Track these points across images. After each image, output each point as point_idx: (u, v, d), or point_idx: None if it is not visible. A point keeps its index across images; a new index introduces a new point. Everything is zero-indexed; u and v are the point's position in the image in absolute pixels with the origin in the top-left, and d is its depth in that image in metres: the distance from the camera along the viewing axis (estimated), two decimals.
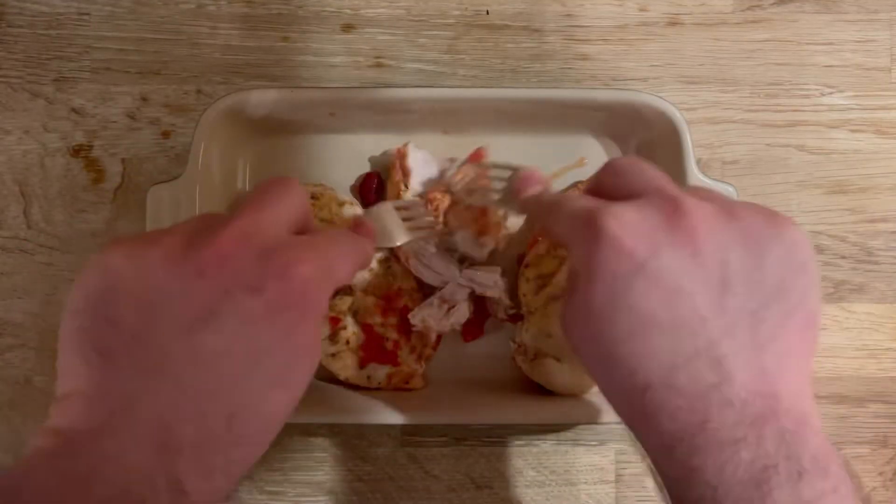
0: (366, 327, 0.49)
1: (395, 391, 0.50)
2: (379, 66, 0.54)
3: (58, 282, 0.53)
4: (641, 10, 0.55)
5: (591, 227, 0.30)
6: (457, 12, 0.54)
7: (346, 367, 0.49)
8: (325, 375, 0.50)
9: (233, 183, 0.52)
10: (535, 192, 0.40)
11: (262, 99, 0.47)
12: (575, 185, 0.51)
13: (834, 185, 0.54)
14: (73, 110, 0.53)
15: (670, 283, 0.28)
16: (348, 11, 0.54)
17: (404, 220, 0.46)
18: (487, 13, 0.54)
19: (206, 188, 0.47)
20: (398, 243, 0.46)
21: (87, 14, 0.54)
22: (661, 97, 0.47)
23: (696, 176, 0.47)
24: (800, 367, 0.29)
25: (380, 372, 0.50)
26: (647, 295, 0.28)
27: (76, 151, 0.53)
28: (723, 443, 0.27)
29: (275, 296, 0.27)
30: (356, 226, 0.40)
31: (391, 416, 0.49)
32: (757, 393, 0.27)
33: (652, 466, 0.32)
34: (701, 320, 0.28)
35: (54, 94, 0.53)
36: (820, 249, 0.54)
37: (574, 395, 0.49)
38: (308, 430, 0.53)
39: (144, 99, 0.54)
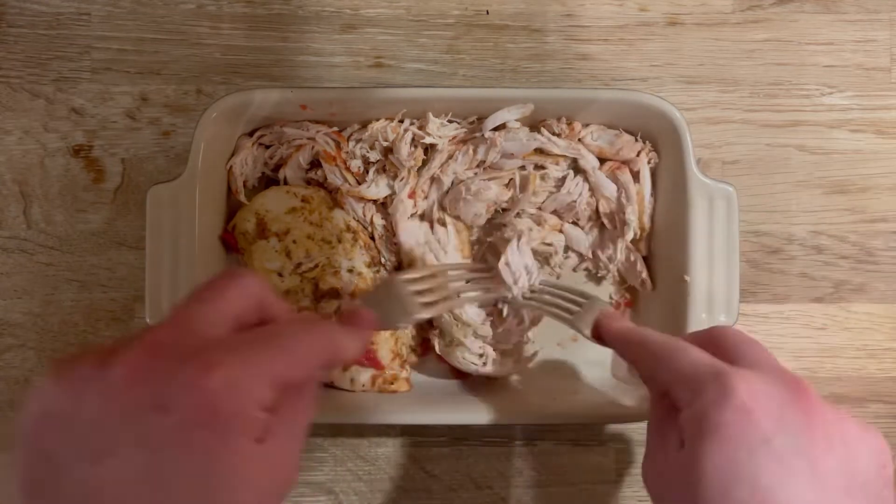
0: None
1: (379, 393, 0.50)
2: (379, 66, 0.54)
3: (58, 282, 0.53)
4: (641, 10, 0.55)
5: (718, 385, 0.30)
6: (457, 12, 0.54)
7: None
8: None
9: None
10: (624, 325, 0.41)
11: (262, 99, 0.47)
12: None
13: (834, 185, 0.54)
14: (73, 110, 0.53)
15: (793, 464, 0.29)
16: (348, 11, 0.54)
17: (419, 292, 0.42)
18: (487, 13, 0.54)
19: (206, 188, 0.47)
20: (403, 326, 0.41)
21: (87, 14, 0.54)
22: (661, 97, 0.47)
23: (696, 176, 0.47)
24: None
25: (363, 375, 0.50)
26: (768, 470, 0.29)
27: (76, 151, 0.53)
28: None
29: (184, 412, 0.24)
30: (348, 315, 0.36)
31: (391, 416, 0.49)
32: None
33: None
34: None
35: (54, 94, 0.53)
36: (820, 249, 0.54)
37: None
38: (308, 430, 0.53)
39: (144, 99, 0.54)
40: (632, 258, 0.51)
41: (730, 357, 0.33)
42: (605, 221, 0.51)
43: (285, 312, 0.32)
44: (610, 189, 0.50)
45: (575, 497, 0.53)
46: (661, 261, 0.51)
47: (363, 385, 0.50)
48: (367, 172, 0.51)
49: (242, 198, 0.50)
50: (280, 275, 0.49)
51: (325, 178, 0.51)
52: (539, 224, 0.51)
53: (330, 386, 0.50)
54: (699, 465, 0.30)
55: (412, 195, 0.50)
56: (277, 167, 0.52)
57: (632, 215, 0.50)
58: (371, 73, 0.54)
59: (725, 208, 0.47)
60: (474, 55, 0.54)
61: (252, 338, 0.28)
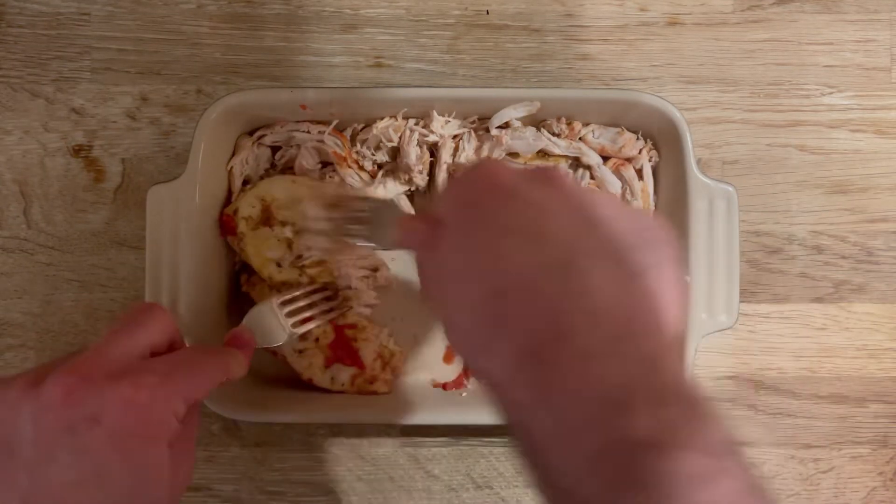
0: (336, 328, 0.49)
1: (358, 394, 0.50)
2: (379, 66, 0.54)
3: (58, 282, 0.53)
4: (641, 10, 0.55)
5: (457, 175, 0.33)
6: (457, 12, 0.54)
7: (311, 365, 0.49)
8: (290, 376, 0.50)
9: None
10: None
11: (262, 99, 0.47)
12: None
13: (834, 185, 0.54)
14: (73, 110, 0.53)
15: (533, 201, 0.29)
16: (348, 11, 0.54)
17: (292, 313, 0.47)
18: (487, 13, 0.54)
19: (206, 188, 0.47)
20: (279, 343, 0.45)
21: (87, 14, 0.54)
22: (661, 97, 0.47)
23: (696, 176, 0.47)
24: (672, 309, 0.28)
25: (343, 374, 0.50)
26: (503, 210, 0.29)
27: (76, 151, 0.53)
28: (582, 355, 0.25)
29: (113, 423, 0.30)
30: (232, 338, 0.43)
31: (391, 416, 0.49)
32: (623, 312, 0.26)
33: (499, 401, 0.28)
34: (565, 237, 0.28)
35: (54, 94, 0.53)
36: (820, 249, 0.54)
37: None
38: (308, 430, 0.53)
39: (144, 99, 0.54)
40: None
41: None
42: None
43: (184, 342, 0.38)
44: (615, 185, 0.50)
45: None
46: None
47: (342, 384, 0.50)
48: (380, 169, 0.51)
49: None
50: (279, 265, 0.49)
51: (343, 181, 0.50)
52: None
53: (311, 386, 0.50)
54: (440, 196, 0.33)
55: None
56: (286, 169, 0.51)
57: None
58: (371, 73, 0.54)
59: (725, 208, 0.47)
60: (474, 55, 0.54)
61: (169, 362, 0.34)
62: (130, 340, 0.33)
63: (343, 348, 0.49)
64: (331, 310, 0.49)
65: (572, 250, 0.27)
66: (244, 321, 0.45)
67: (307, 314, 0.47)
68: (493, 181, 0.30)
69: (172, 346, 0.36)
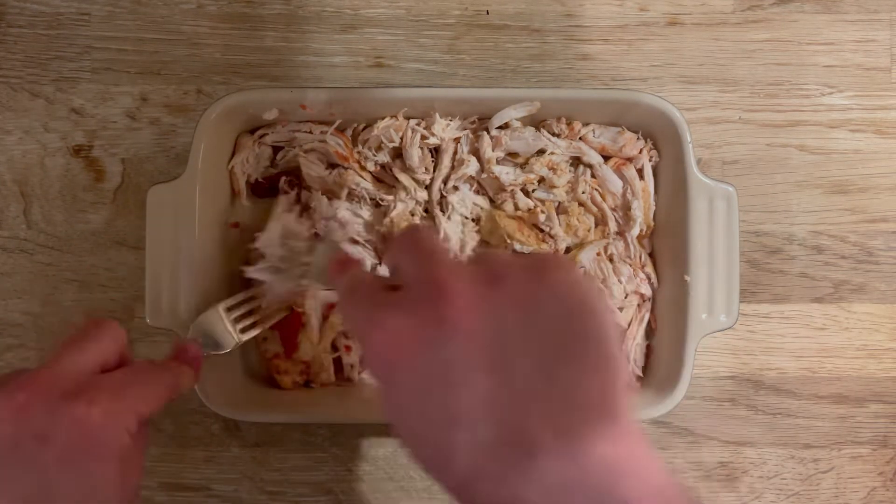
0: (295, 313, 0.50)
1: (265, 374, 0.51)
2: (379, 66, 0.54)
3: (58, 282, 0.53)
4: (641, 10, 0.55)
5: (362, 340, 0.31)
6: (457, 12, 0.54)
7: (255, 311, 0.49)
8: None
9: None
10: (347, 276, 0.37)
11: (261, 99, 0.47)
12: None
13: (834, 185, 0.54)
14: (73, 110, 0.53)
15: (448, 378, 0.27)
16: (348, 11, 0.54)
17: (241, 317, 0.47)
18: (487, 13, 0.54)
19: (206, 188, 0.47)
20: (227, 349, 0.46)
21: (87, 14, 0.54)
22: (661, 97, 0.47)
23: (696, 176, 0.47)
24: (608, 415, 0.27)
25: (271, 346, 0.50)
26: (424, 398, 0.28)
27: (76, 151, 0.53)
28: None
29: (64, 442, 0.30)
30: (178, 352, 0.42)
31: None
32: (565, 458, 0.26)
33: None
34: (491, 401, 0.27)
35: (54, 94, 0.53)
36: (820, 249, 0.54)
37: None
38: (308, 430, 0.53)
39: (144, 99, 0.54)
40: (637, 253, 0.51)
41: (400, 270, 0.33)
42: (611, 216, 0.51)
43: (131, 357, 0.38)
44: (616, 184, 0.50)
45: None
46: (662, 259, 0.51)
47: (264, 352, 0.50)
48: (383, 169, 0.51)
49: (245, 200, 0.50)
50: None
51: (346, 183, 0.50)
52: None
53: (309, 387, 0.50)
54: (384, 412, 0.30)
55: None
56: (288, 170, 0.51)
57: (638, 210, 0.50)
58: (371, 73, 0.54)
59: (725, 208, 0.47)
60: (474, 55, 0.54)
61: (121, 379, 0.34)
62: (82, 355, 0.33)
63: (288, 327, 0.50)
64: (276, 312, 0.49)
65: (502, 416, 0.27)
66: (190, 331, 0.45)
67: (254, 318, 0.47)
68: (386, 361, 0.29)
69: (122, 360, 0.37)
